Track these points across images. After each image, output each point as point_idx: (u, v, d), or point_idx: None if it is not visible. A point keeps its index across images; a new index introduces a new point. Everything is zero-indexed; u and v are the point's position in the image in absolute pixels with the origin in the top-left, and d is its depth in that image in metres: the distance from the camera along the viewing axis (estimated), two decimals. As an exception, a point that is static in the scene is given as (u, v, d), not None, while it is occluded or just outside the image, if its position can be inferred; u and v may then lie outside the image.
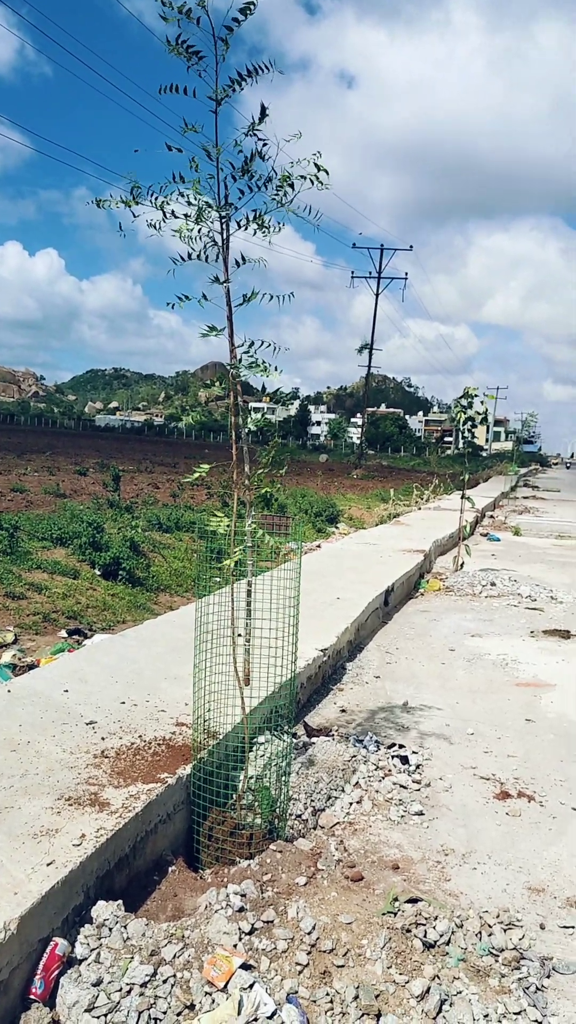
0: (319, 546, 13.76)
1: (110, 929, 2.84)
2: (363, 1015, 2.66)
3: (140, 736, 4.16)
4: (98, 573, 10.41)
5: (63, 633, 8.09)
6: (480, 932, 3.17)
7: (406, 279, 42.90)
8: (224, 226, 3.71)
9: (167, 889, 3.44)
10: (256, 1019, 2.51)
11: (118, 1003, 2.60)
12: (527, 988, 2.91)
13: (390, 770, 4.67)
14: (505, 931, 3.22)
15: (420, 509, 22.45)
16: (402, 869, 3.70)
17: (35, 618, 8.39)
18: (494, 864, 3.83)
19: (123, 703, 4.64)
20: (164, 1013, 2.59)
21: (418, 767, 4.81)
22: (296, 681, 4.77)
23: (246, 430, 3.91)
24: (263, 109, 3.42)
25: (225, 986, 2.64)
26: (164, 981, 2.67)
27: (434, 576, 12.07)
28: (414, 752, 5.00)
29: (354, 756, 4.72)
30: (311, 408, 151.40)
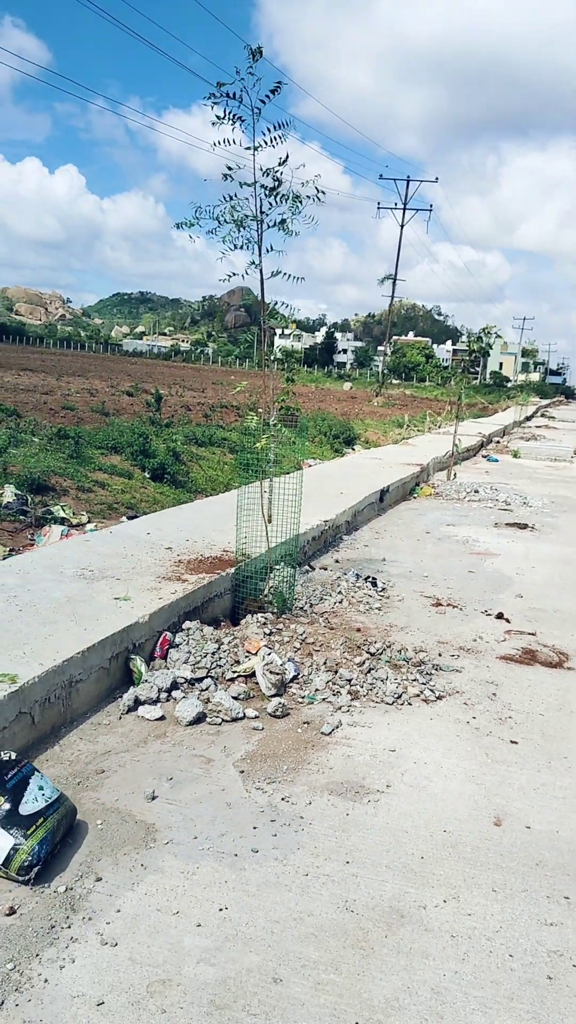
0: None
1: (193, 631, 5.25)
2: (328, 670, 5.05)
3: (201, 555, 6.53)
4: (147, 476, 12.75)
5: (124, 519, 10.45)
6: (401, 651, 5.55)
7: (431, 211, 43.67)
8: (259, 226, 5.82)
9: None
10: (271, 663, 4.89)
11: (199, 660, 5.00)
12: (421, 672, 5.29)
13: (363, 588, 7.02)
14: (416, 653, 5.60)
15: (430, 433, 24.50)
16: (362, 631, 6.07)
17: (101, 507, 10.76)
18: (420, 632, 6.19)
19: (187, 540, 7.01)
20: (224, 663, 4.99)
21: (383, 589, 7.16)
22: (300, 532, 7.07)
23: (272, 358, 6.12)
24: (283, 159, 5.49)
25: (256, 653, 5.04)
26: (224, 651, 5.07)
27: (428, 485, 14.28)
28: (382, 582, 7.34)
29: (339, 578, 7.09)
30: (337, 336, 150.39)
